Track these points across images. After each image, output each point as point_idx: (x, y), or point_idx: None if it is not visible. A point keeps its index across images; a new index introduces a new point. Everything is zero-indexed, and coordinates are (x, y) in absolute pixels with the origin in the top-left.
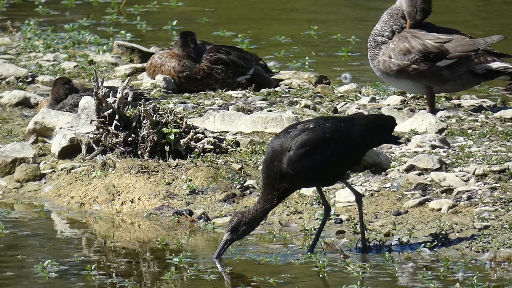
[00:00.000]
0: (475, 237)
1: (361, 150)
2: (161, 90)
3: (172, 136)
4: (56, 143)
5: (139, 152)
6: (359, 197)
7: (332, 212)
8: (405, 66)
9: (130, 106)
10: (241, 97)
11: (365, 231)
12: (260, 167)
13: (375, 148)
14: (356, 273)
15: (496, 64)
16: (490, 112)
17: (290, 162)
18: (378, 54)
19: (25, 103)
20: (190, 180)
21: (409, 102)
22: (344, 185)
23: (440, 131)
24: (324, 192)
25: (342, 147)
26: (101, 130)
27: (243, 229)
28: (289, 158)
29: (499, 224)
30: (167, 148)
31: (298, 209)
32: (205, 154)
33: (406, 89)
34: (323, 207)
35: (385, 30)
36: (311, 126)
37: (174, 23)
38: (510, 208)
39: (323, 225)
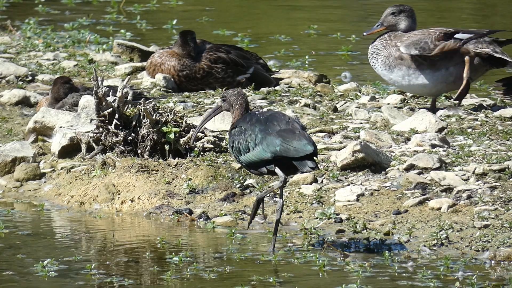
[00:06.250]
0: (475, 236)
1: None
2: (161, 89)
3: (172, 135)
4: (56, 142)
5: (139, 151)
6: (283, 178)
7: (332, 211)
8: (425, 45)
9: (130, 105)
10: None
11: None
12: None
13: (374, 147)
14: (356, 272)
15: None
16: (490, 111)
17: (228, 136)
18: (387, 46)
19: (25, 102)
20: (190, 179)
21: (408, 101)
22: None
23: (440, 130)
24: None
25: (254, 140)
26: (101, 129)
27: None
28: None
29: (499, 223)
30: (167, 147)
31: (298, 208)
32: (205, 153)
33: (416, 84)
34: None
35: (380, 47)
36: (260, 112)
37: (174, 22)
38: (510, 207)
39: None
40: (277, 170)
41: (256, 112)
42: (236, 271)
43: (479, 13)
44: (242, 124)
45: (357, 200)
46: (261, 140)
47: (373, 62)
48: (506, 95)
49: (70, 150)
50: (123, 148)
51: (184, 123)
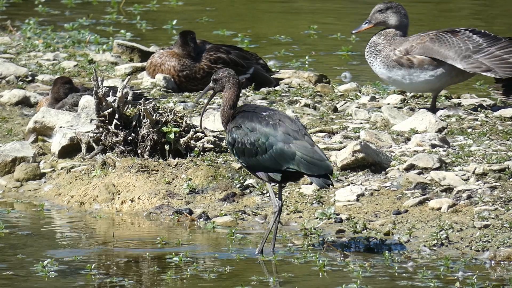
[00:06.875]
0: (475, 236)
1: (277, 163)
2: (161, 89)
3: (172, 135)
4: (56, 142)
5: (139, 151)
6: (277, 209)
7: (332, 211)
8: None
9: (130, 105)
10: (241, 96)
11: (266, 239)
12: None
13: (374, 147)
14: (356, 272)
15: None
16: (490, 111)
17: (228, 132)
18: (387, 48)
19: (25, 102)
20: (190, 179)
21: (408, 101)
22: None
23: (440, 130)
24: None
25: (263, 146)
26: (101, 129)
27: None
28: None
29: (499, 223)
30: (167, 147)
31: (298, 208)
32: (205, 153)
33: (418, 82)
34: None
35: (379, 47)
36: (267, 113)
37: (174, 22)
38: (510, 207)
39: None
40: (272, 197)
41: (263, 113)
42: (236, 271)
43: (479, 13)
44: (247, 123)
45: (357, 200)
46: (273, 147)
47: (371, 60)
48: (506, 95)
49: (70, 150)
50: (123, 148)
51: (184, 123)
